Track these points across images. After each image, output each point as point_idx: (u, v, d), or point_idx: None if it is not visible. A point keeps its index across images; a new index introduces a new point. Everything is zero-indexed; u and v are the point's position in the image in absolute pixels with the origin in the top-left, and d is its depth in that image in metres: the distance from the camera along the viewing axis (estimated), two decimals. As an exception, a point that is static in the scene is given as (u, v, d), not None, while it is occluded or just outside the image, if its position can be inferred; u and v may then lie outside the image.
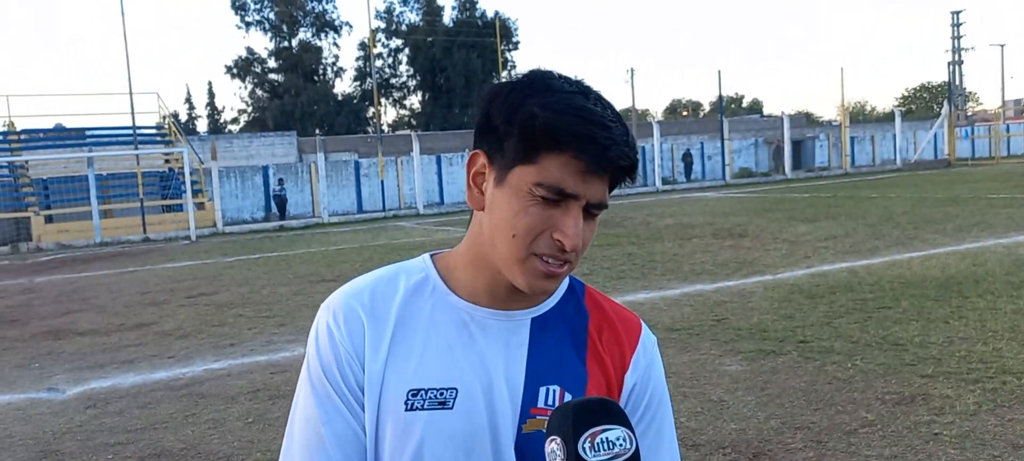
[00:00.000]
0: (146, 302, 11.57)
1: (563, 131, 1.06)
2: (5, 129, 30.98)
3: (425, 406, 1.14)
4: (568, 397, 1.17)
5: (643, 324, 1.30)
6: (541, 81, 1.11)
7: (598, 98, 1.11)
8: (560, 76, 1.13)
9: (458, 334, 1.18)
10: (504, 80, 1.16)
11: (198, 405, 6.14)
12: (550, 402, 1.17)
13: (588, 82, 1.14)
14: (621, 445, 0.97)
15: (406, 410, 1.14)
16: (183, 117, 72.14)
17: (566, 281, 1.27)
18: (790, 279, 9.96)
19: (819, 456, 4.47)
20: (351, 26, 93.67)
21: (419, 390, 1.15)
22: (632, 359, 1.25)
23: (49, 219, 26.58)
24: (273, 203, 32.02)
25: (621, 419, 1.00)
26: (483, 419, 1.15)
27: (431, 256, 1.26)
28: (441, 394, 1.15)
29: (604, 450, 0.96)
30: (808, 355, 6.41)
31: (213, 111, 77.64)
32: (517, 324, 1.20)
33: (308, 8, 69.06)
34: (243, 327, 9.12)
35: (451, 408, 1.15)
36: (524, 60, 73.28)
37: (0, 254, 23.53)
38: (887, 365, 5.99)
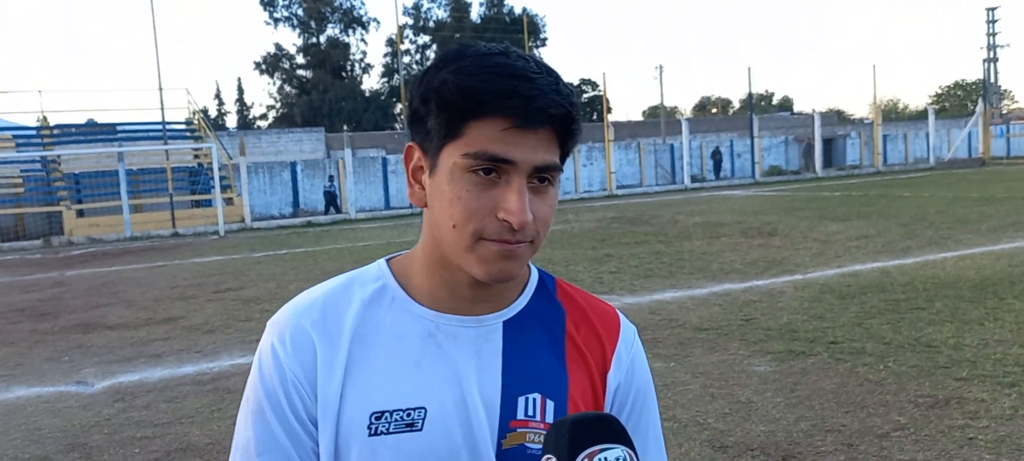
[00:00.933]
0: (174, 297, 11.65)
1: (479, 90, 0.96)
2: (38, 124, 31.40)
3: (391, 429, 1.04)
4: (550, 404, 1.08)
5: (621, 316, 1.20)
6: (456, 52, 1.01)
7: (520, 54, 1.01)
8: (483, 45, 1.02)
9: (424, 347, 1.07)
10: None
11: (224, 400, 6.16)
12: (531, 412, 1.07)
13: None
14: None
15: (370, 435, 1.04)
16: (212, 113, 72.82)
17: (536, 275, 1.16)
18: (821, 279, 9.83)
19: (850, 459, 4.38)
20: (379, 22, 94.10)
21: (383, 412, 1.04)
22: (614, 357, 1.15)
23: (80, 213, 26.91)
24: (324, 198, 32.43)
25: (621, 437, 0.92)
26: (457, 438, 1.05)
27: (387, 260, 1.16)
28: (408, 415, 1.04)
29: None
30: (839, 356, 6.30)
31: (242, 107, 78.34)
32: (488, 329, 1.09)
33: (336, 4, 69.43)
34: (270, 322, 9.14)
35: (420, 430, 1.04)
36: (551, 57, 73.29)
37: (32, 248, 23.86)
38: (920, 367, 5.88)
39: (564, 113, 0.99)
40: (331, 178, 33.20)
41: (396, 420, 1.04)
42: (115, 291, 12.69)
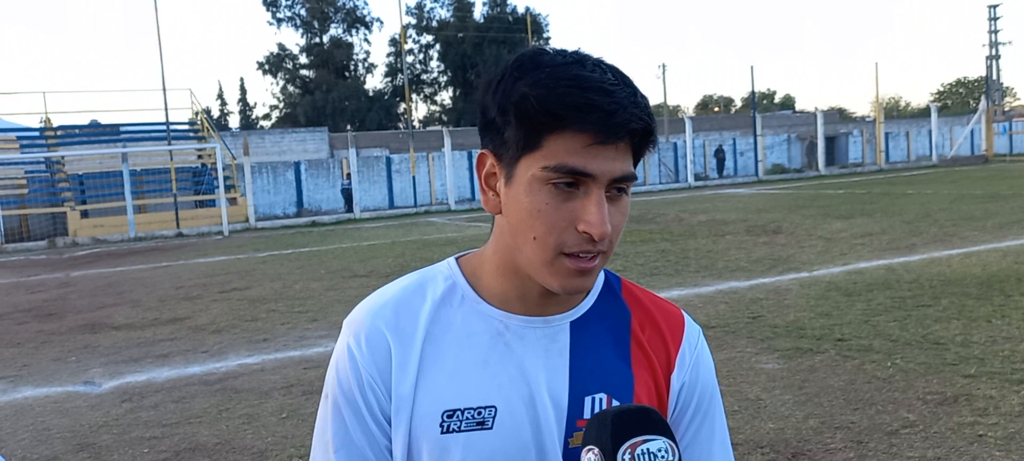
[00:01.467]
0: (180, 297, 11.67)
1: (559, 104, 0.97)
2: (42, 125, 31.44)
3: (462, 427, 1.06)
4: (615, 404, 1.09)
5: (686, 316, 1.22)
6: (531, 60, 1.02)
7: (596, 64, 1.02)
8: (553, 50, 1.03)
9: (493, 346, 1.09)
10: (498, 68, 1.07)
11: (232, 400, 6.17)
12: (597, 412, 1.08)
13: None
14: (663, 456, 0.91)
15: (442, 433, 1.06)
16: (216, 113, 72.90)
17: (602, 277, 1.18)
18: (826, 276, 9.82)
19: (860, 457, 4.38)
20: (382, 22, 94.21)
21: (455, 411, 1.07)
22: (677, 358, 1.17)
23: (85, 214, 26.94)
24: (342, 196, 32.48)
25: (662, 428, 0.93)
26: (527, 436, 1.07)
27: (457, 259, 1.17)
28: (479, 413, 1.07)
29: None
30: (846, 354, 6.30)
31: (245, 107, 78.38)
32: (555, 330, 1.11)
33: (339, 4, 69.45)
34: (276, 322, 9.16)
35: (491, 428, 1.06)
36: (554, 56, 73.18)
37: (37, 249, 23.90)
38: (928, 364, 5.87)
39: (643, 127, 1.00)
40: (349, 176, 33.38)
41: (467, 418, 1.07)
42: (120, 291, 12.70)
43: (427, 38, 71.45)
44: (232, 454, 5.04)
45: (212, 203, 27.89)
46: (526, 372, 1.09)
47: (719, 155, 42.69)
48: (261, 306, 10.31)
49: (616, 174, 1.00)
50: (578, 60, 1.01)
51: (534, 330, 1.11)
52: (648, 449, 0.91)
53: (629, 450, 0.90)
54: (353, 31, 70.97)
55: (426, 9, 70.73)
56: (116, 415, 5.98)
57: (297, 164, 35.10)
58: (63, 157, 29.07)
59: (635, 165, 1.04)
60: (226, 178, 28.01)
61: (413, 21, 69.85)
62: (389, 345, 1.10)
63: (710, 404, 1.20)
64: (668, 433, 0.94)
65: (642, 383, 1.13)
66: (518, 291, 1.10)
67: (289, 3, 69.04)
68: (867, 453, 4.41)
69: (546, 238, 1.01)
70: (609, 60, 1.05)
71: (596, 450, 0.92)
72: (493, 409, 1.07)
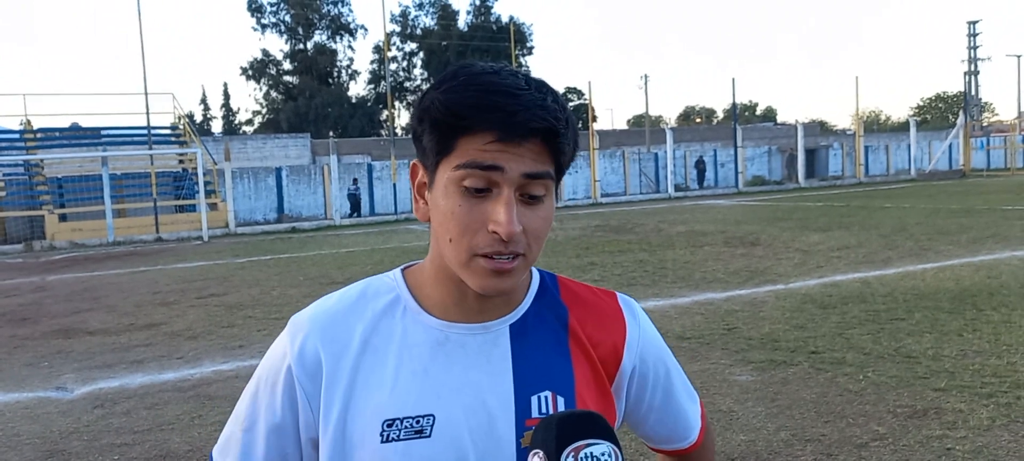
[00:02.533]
0: (156, 302, 11.59)
1: (465, 106, 1.01)
2: (21, 128, 31.18)
3: (401, 437, 1.08)
4: (560, 399, 1.13)
5: (620, 301, 1.25)
6: (450, 72, 1.06)
7: (512, 73, 1.04)
8: (477, 64, 1.06)
9: (433, 356, 1.12)
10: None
11: (205, 407, 6.13)
12: (544, 410, 1.12)
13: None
14: (606, 459, 0.93)
15: (382, 442, 1.08)
16: (198, 118, 72.58)
17: (537, 277, 1.21)
18: (802, 289, 9.89)
19: (829, 469, 4.41)
20: (366, 29, 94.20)
21: (395, 420, 1.09)
22: (625, 345, 1.21)
23: (63, 218, 26.73)
24: (348, 201, 32.58)
25: (607, 433, 0.96)
26: (466, 444, 1.09)
27: (403, 270, 1.20)
28: (417, 422, 1.09)
29: None
30: (819, 366, 6.34)
31: (228, 112, 78.09)
32: (495, 335, 1.14)
33: (323, 11, 69.33)
34: (253, 328, 9.12)
35: (429, 436, 1.09)
36: (538, 65, 73.48)
37: (14, 252, 23.68)
38: (899, 378, 5.93)
39: (548, 126, 1.02)
40: (355, 181, 33.57)
41: (406, 427, 1.09)
42: (96, 296, 12.61)
43: (411, 46, 71.49)
44: (203, 462, 5.01)
45: (192, 208, 27.75)
46: (470, 379, 1.11)
47: (700, 166, 42.89)
48: (238, 312, 10.26)
49: (526, 170, 1.02)
50: (494, 70, 1.05)
51: (474, 337, 1.13)
52: (591, 453, 0.93)
53: (572, 453, 0.93)
54: (337, 38, 70.91)
55: (410, 17, 70.78)
56: (87, 421, 5.94)
57: (278, 170, 34.98)
58: (42, 160, 28.83)
59: (559, 171, 1.06)
60: (207, 183, 27.87)
61: (397, 29, 69.88)
62: (321, 356, 1.12)
63: (666, 371, 1.27)
64: (612, 438, 0.96)
65: (582, 377, 1.16)
66: (455, 298, 1.13)
67: (274, 9, 68.91)
68: (836, 465, 4.44)
69: (460, 239, 1.04)
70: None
71: (541, 453, 0.94)
72: (431, 418, 1.09)
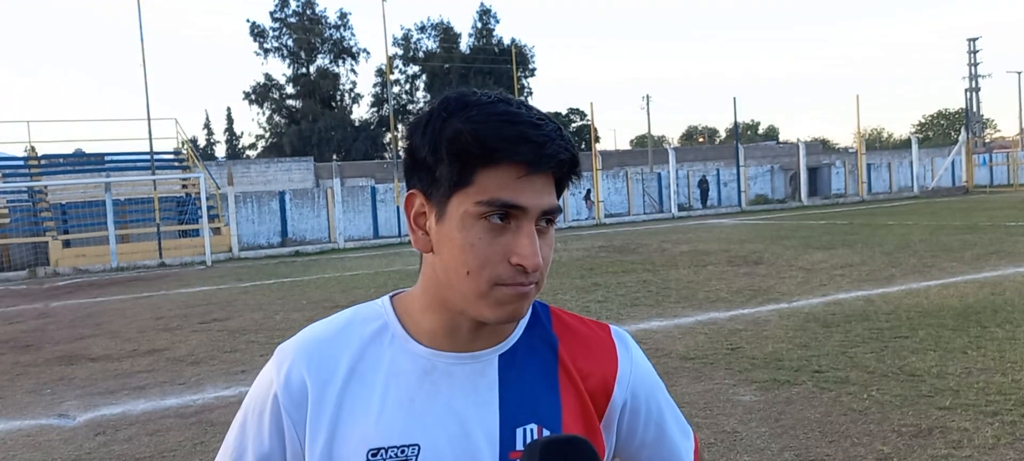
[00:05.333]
0: (159, 328, 11.59)
1: (493, 138, 1.00)
2: (25, 154, 31.30)
3: None
4: (546, 433, 1.12)
5: (613, 334, 1.24)
6: (458, 100, 1.05)
7: (521, 103, 1.06)
8: (479, 92, 1.07)
9: (420, 385, 1.11)
10: (421, 111, 1.10)
11: (207, 433, 6.12)
12: (528, 442, 1.10)
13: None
14: None
15: None
16: (202, 143, 72.83)
17: (529, 308, 1.20)
18: (805, 307, 9.86)
19: (834, 490, 4.38)
20: (369, 53, 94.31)
21: (379, 449, 1.08)
22: (616, 379, 1.19)
23: (67, 244, 26.77)
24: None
25: (590, 458, 0.96)
26: None
27: (391, 297, 1.19)
28: (402, 452, 1.08)
29: None
30: (823, 385, 6.32)
31: (231, 137, 78.35)
32: (484, 365, 1.13)
33: (326, 35, 69.67)
34: (255, 353, 9.11)
35: None
36: (540, 87, 73.81)
37: (18, 279, 23.71)
38: (904, 396, 5.90)
39: (570, 157, 1.05)
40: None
41: (391, 456, 1.08)
42: (99, 322, 12.61)
43: (413, 69, 71.76)
44: (205, 488, 4.99)
45: (196, 233, 27.78)
46: (455, 409, 1.10)
47: (703, 185, 42.92)
48: (241, 337, 10.25)
49: (545, 207, 1.04)
50: (504, 99, 1.05)
51: (463, 366, 1.12)
52: None
53: None
54: (340, 62, 71.21)
55: (413, 40, 71.10)
56: (89, 448, 5.92)
57: (282, 194, 35.04)
58: (46, 186, 28.92)
59: (558, 197, 1.08)
60: (210, 208, 27.93)
61: (400, 52, 70.20)
62: (306, 385, 1.11)
63: (658, 406, 1.26)
64: None
65: (569, 410, 1.15)
66: (446, 328, 1.12)
67: (276, 34, 69.26)
68: (841, 486, 4.42)
69: (480, 272, 1.03)
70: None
71: None
72: (416, 448, 1.08)
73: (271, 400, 1.13)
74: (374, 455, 1.08)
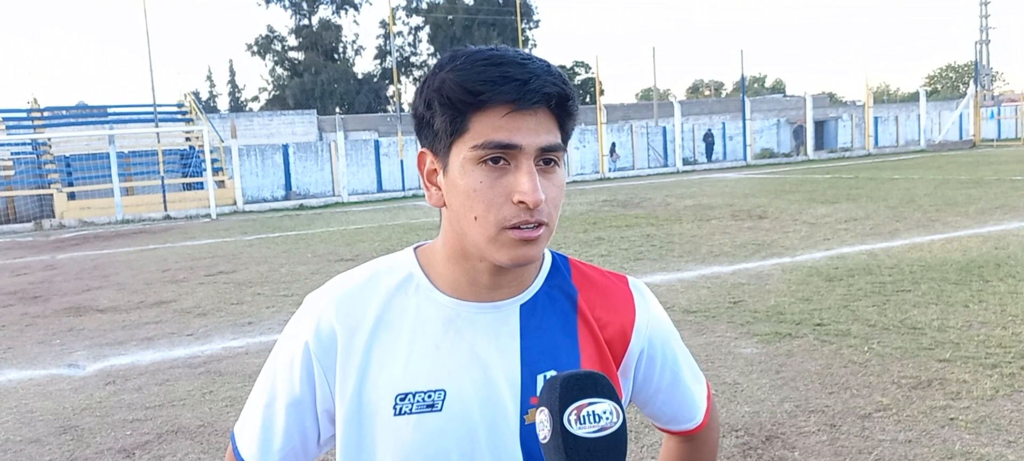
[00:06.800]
0: (166, 280, 11.67)
1: (477, 81, 1.03)
2: (28, 106, 31.26)
3: (413, 410, 1.12)
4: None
5: (629, 281, 1.28)
6: (449, 55, 1.09)
7: (511, 49, 1.08)
8: (473, 47, 1.09)
9: (444, 332, 1.15)
10: None
11: (215, 383, 6.20)
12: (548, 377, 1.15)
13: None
14: (607, 418, 0.96)
15: (395, 415, 1.12)
16: (204, 95, 72.58)
17: (549, 259, 1.24)
18: (808, 261, 9.90)
19: (833, 439, 4.45)
20: (371, 3, 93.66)
21: (407, 394, 1.12)
22: (633, 329, 1.24)
23: (71, 196, 26.85)
24: None
25: (608, 392, 0.98)
26: (475, 417, 1.13)
27: (415, 249, 1.23)
28: (429, 397, 1.12)
29: (590, 422, 0.95)
30: (824, 338, 6.37)
31: (234, 89, 78.07)
32: (505, 314, 1.17)
33: (328, -15, 69.02)
34: (261, 305, 9.19)
35: (440, 410, 1.12)
36: (544, 38, 73.24)
37: (23, 231, 23.82)
38: (904, 349, 5.95)
39: (559, 91, 1.06)
40: None
41: (418, 401, 1.12)
42: (106, 274, 12.70)
43: (417, 20, 71.20)
44: (214, 437, 5.07)
45: (200, 186, 27.83)
46: (479, 356, 1.14)
47: (708, 139, 42.74)
48: (247, 289, 10.33)
49: (542, 145, 1.05)
50: (493, 48, 1.08)
51: (485, 315, 1.16)
52: (593, 411, 0.96)
53: (575, 411, 0.96)
54: (342, 12, 70.63)
55: (416, -9, 70.43)
56: (99, 398, 6.01)
57: (285, 147, 34.98)
58: (50, 138, 28.92)
59: (563, 139, 1.10)
60: (214, 161, 27.93)
61: (403, 3, 69.58)
62: (336, 333, 1.15)
63: (673, 354, 1.30)
64: (614, 397, 0.99)
65: (588, 357, 1.19)
66: (468, 278, 1.15)
67: (278, -16, 68.62)
68: (840, 436, 4.48)
69: (486, 215, 1.06)
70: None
71: (546, 411, 0.97)
72: (442, 393, 1.13)
73: (302, 348, 1.17)
74: (402, 399, 1.13)
